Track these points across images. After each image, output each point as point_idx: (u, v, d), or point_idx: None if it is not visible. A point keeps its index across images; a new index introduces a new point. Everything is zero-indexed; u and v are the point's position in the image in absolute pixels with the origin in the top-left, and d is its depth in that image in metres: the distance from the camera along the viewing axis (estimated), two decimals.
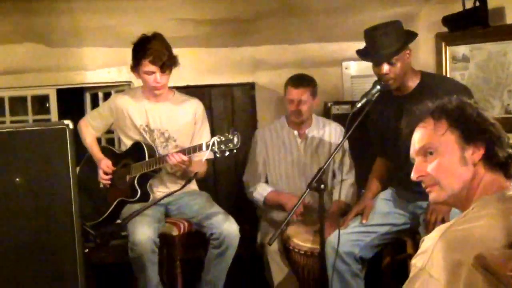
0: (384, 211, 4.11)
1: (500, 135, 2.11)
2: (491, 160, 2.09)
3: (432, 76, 4.14)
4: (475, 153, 2.07)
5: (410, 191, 3.95)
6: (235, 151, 3.85)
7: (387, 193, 4.20)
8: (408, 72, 3.91)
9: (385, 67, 3.81)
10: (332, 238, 3.96)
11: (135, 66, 4.30)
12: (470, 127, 2.09)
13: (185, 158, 4.09)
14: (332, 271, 3.92)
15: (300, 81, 4.71)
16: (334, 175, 4.80)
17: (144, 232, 4.04)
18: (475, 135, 2.08)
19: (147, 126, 4.44)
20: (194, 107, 4.52)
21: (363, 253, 4.05)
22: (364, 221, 4.06)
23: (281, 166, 4.80)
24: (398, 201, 4.12)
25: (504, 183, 2.09)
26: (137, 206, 4.23)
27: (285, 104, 4.80)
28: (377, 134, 4.23)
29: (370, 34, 3.87)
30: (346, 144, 4.72)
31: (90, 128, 4.59)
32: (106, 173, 4.47)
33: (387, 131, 4.05)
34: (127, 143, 4.51)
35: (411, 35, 3.93)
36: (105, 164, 4.47)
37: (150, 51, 4.18)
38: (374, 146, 4.33)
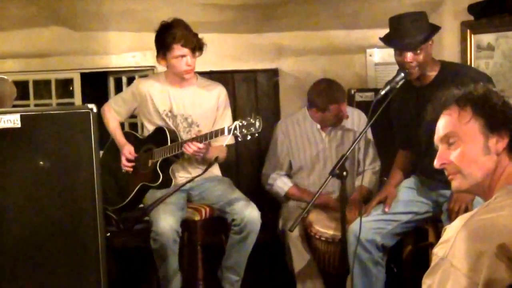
0: (407, 199, 4.09)
1: None
2: None
3: (452, 65, 4.11)
4: (499, 143, 2.06)
5: (433, 180, 3.93)
6: (257, 135, 3.84)
7: (410, 181, 4.18)
8: (429, 62, 3.89)
9: (409, 55, 3.79)
10: (354, 225, 3.95)
11: (164, 53, 4.28)
12: (495, 116, 2.07)
13: (200, 145, 4.08)
14: (353, 258, 3.92)
15: (339, 94, 4.51)
16: (359, 164, 4.75)
17: (167, 221, 4.03)
18: (500, 124, 2.06)
19: (170, 111, 4.43)
20: (217, 92, 4.50)
21: (384, 241, 4.04)
22: (386, 210, 4.05)
23: (306, 156, 4.72)
24: (421, 189, 4.10)
25: None
26: (159, 194, 4.25)
27: (314, 113, 4.62)
28: (398, 123, 4.21)
29: (397, 22, 3.85)
30: (370, 135, 4.71)
31: (113, 113, 4.59)
32: (129, 160, 4.49)
33: (408, 120, 4.03)
34: (149, 128, 4.51)
35: (435, 28, 3.91)
36: (128, 151, 4.48)
37: (180, 35, 4.18)
38: (396, 137, 4.31)
